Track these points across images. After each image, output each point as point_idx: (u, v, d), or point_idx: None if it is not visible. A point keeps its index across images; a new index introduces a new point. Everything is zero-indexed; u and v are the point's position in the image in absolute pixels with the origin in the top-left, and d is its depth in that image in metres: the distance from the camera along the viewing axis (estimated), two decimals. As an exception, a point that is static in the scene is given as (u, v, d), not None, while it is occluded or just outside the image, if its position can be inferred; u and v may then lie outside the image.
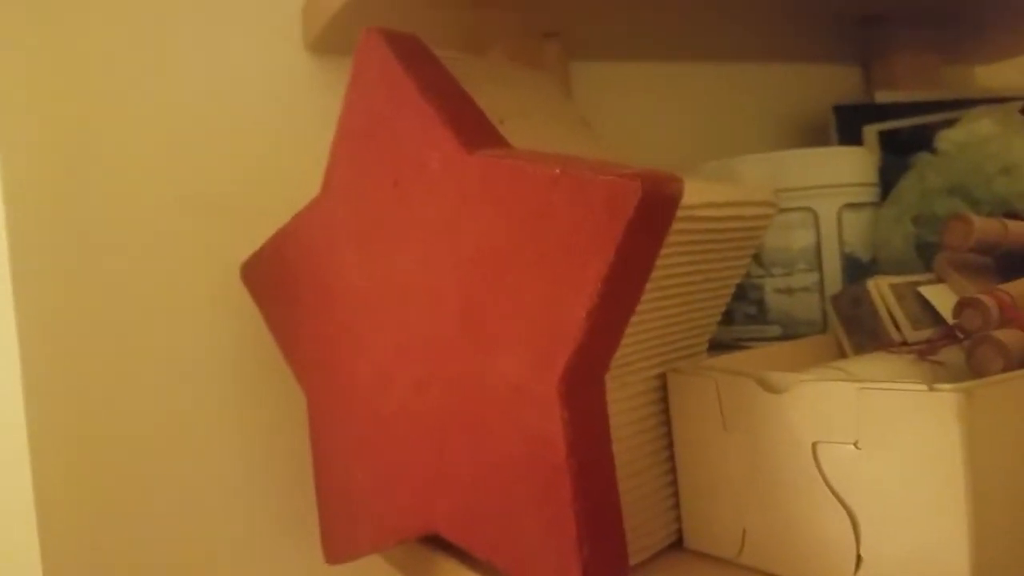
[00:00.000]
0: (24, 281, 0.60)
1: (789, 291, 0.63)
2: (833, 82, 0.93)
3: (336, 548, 0.55)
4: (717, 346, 0.61)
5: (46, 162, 0.61)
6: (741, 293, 0.64)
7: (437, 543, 0.48)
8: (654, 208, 0.37)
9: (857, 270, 0.63)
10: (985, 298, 0.47)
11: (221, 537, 0.65)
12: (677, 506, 0.47)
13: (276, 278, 0.56)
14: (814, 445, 0.39)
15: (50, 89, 0.61)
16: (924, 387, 0.35)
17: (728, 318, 0.65)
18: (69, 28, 0.62)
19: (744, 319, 0.65)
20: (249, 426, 0.66)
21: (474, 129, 0.44)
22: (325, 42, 0.66)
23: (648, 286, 0.42)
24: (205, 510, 0.65)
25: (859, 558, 0.38)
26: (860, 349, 0.55)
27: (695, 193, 0.44)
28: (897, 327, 0.53)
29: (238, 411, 0.66)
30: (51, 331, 0.60)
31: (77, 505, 0.61)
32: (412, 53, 0.47)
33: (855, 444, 0.38)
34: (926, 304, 0.54)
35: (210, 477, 0.65)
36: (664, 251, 0.42)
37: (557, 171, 0.39)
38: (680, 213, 0.40)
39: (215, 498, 0.65)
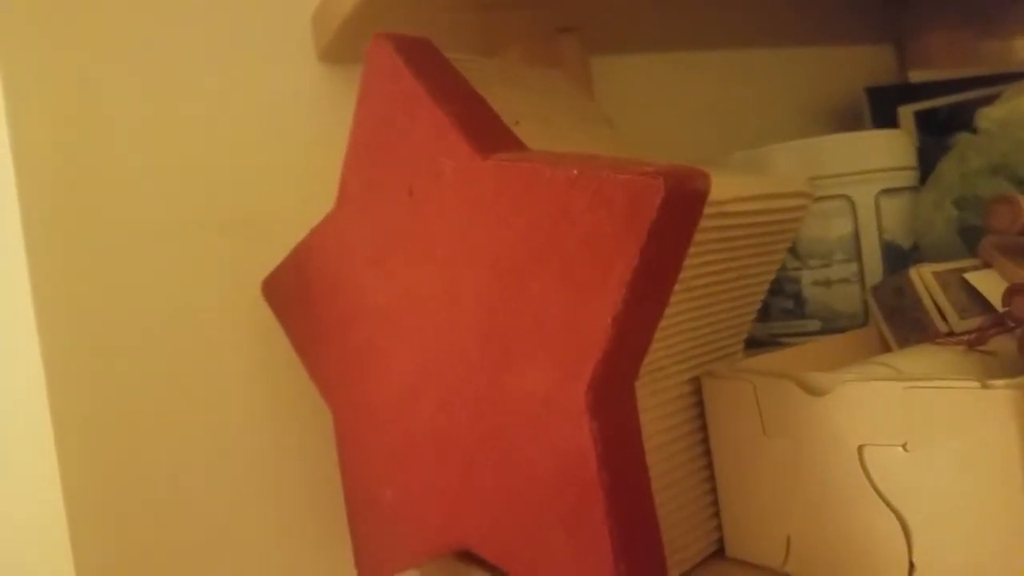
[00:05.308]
0: (46, 301, 0.59)
1: (827, 283, 0.61)
2: (865, 63, 0.90)
3: (369, 565, 0.53)
4: (754, 343, 0.59)
5: (61, 179, 0.60)
6: (777, 287, 0.62)
7: (472, 556, 0.47)
8: (679, 206, 0.36)
9: (898, 258, 0.61)
10: (1036, 283, 0.44)
11: (252, 554, 0.64)
12: (717, 514, 0.45)
13: (296, 294, 0.55)
14: (860, 448, 0.37)
15: (63, 106, 0.60)
16: (976, 384, 0.33)
17: (764, 313, 0.63)
18: (81, 46, 0.61)
19: (781, 314, 0.62)
20: (278, 442, 0.65)
21: (488, 133, 0.43)
22: (337, 51, 0.65)
23: (677, 287, 0.40)
24: (235, 526, 0.64)
25: (912, 566, 0.36)
26: (905, 342, 0.52)
27: (723, 188, 0.42)
28: (943, 317, 0.50)
29: (265, 427, 0.65)
30: (75, 352, 0.60)
31: (106, 517, 0.60)
32: (422, 57, 0.46)
33: (904, 446, 0.35)
34: (972, 291, 0.52)
35: (239, 494, 0.64)
36: (693, 250, 0.40)
37: (575, 172, 0.37)
38: (708, 210, 0.38)
39: (245, 515, 0.64)
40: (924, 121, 0.77)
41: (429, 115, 0.43)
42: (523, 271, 0.40)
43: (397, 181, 0.46)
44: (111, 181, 0.62)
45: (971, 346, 0.47)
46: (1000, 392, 0.32)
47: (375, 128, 0.47)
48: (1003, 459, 0.33)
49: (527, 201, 0.39)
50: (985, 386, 0.33)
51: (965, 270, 0.53)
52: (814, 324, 0.61)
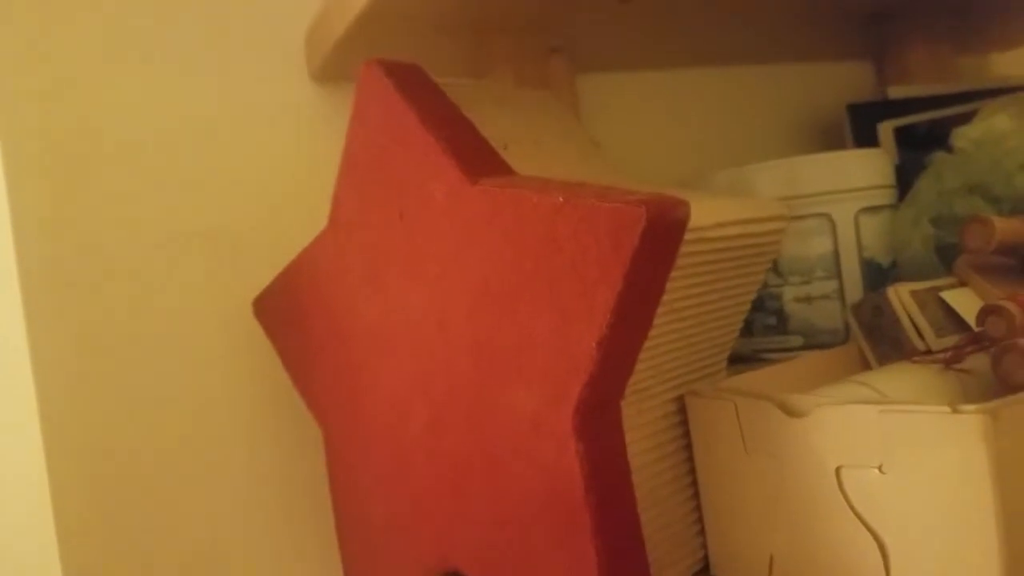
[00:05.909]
0: (37, 316, 0.60)
1: (808, 300, 0.62)
2: (845, 80, 0.91)
3: (360, 582, 0.54)
4: (737, 359, 0.60)
5: (54, 196, 0.61)
6: (760, 303, 0.63)
7: (461, 576, 0.48)
8: (661, 234, 0.37)
9: (877, 275, 0.62)
10: (1009, 304, 0.45)
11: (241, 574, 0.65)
12: (703, 532, 0.46)
13: (287, 313, 0.56)
14: (838, 469, 0.38)
15: (56, 124, 0.61)
16: (947, 409, 0.34)
17: (747, 329, 0.64)
18: (75, 65, 0.62)
19: (764, 330, 0.64)
20: (267, 460, 0.66)
21: (477, 158, 0.44)
22: (329, 70, 0.66)
23: (660, 310, 0.41)
24: (223, 546, 0.64)
25: (889, 584, 0.37)
26: (884, 359, 0.53)
27: (704, 213, 0.43)
28: (920, 335, 0.52)
29: (254, 444, 0.65)
30: (65, 368, 0.60)
31: (96, 530, 0.60)
32: (413, 83, 0.47)
33: (879, 468, 0.37)
34: (949, 310, 0.53)
35: (228, 513, 0.64)
36: (675, 273, 0.41)
37: (560, 199, 0.38)
38: (689, 235, 0.39)
39: (233, 534, 0.65)
40: (904, 137, 0.78)
41: (420, 141, 0.44)
42: (512, 295, 0.41)
43: (388, 204, 0.47)
44: (102, 197, 0.62)
45: (947, 364, 0.48)
46: (969, 417, 0.33)
47: (366, 152, 0.48)
48: (973, 481, 0.34)
49: (515, 226, 0.40)
50: (955, 411, 0.34)
51: (942, 288, 0.54)
52: (796, 340, 0.63)
